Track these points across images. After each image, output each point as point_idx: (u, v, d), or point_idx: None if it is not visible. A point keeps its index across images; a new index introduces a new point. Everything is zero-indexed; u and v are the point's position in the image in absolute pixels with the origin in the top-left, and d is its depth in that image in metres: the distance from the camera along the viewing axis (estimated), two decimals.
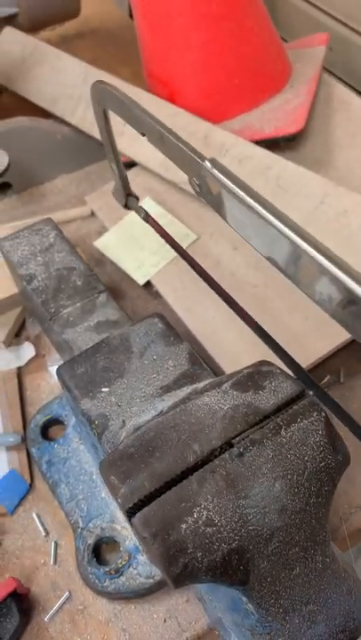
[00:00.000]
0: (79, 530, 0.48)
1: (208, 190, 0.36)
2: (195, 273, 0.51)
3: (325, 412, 0.32)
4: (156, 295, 0.64)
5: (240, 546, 0.29)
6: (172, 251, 0.53)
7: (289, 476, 0.30)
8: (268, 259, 0.34)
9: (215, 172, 0.34)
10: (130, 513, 0.30)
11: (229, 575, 0.29)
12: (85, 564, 0.46)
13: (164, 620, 0.45)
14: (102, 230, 0.69)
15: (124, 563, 0.45)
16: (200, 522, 0.29)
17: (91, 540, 0.47)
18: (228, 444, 0.31)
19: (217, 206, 0.36)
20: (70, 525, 0.48)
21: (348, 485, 0.50)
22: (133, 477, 0.30)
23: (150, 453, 0.31)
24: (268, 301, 0.58)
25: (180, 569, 0.28)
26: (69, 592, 0.46)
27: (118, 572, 0.45)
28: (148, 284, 0.64)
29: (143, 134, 0.40)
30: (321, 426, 0.31)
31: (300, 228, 0.32)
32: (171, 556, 0.28)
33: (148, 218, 0.52)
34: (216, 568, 0.29)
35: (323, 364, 0.57)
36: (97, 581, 0.45)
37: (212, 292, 0.49)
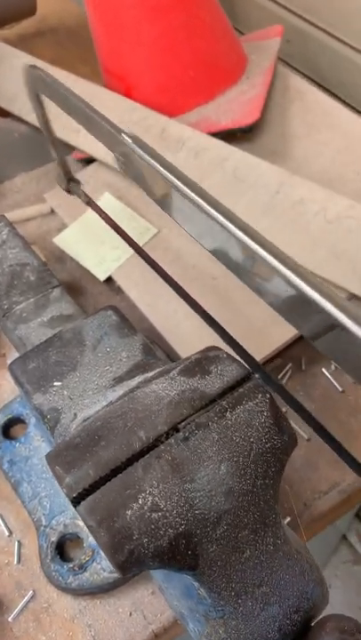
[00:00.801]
0: (42, 528, 0.47)
1: (130, 165, 0.36)
2: None
3: (270, 394, 0.32)
4: (119, 291, 0.64)
5: (187, 530, 0.29)
6: None
7: (235, 459, 0.30)
8: (213, 253, 0.34)
9: (134, 145, 0.34)
10: (75, 502, 0.29)
11: (178, 560, 0.29)
12: (49, 562, 0.45)
13: (130, 614, 0.45)
14: (62, 227, 0.68)
15: (87, 558, 0.45)
16: (145, 507, 0.28)
17: (54, 538, 0.46)
18: (174, 429, 0.31)
19: (141, 183, 0.36)
20: (33, 524, 0.48)
21: (310, 471, 0.51)
22: (78, 467, 0.30)
23: (96, 442, 0.31)
24: (228, 292, 0.58)
25: (126, 555, 0.28)
26: (33, 591, 0.46)
27: (82, 567, 0.45)
28: (110, 280, 0.64)
29: (70, 114, 0.40)
30: (266, 407, 0.31)
31: (237, 218, 0.32)
32: (116, 543, 0.28)
33: (90, 202, 0.52)
34: (163, 553, 0.29)
35: (284, 353, 0.57)
36: (61, 578, 0.45)
37: None
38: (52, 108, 0.49)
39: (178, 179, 0.32)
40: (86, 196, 0.51)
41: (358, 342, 0.24)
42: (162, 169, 0.33)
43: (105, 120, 0.37)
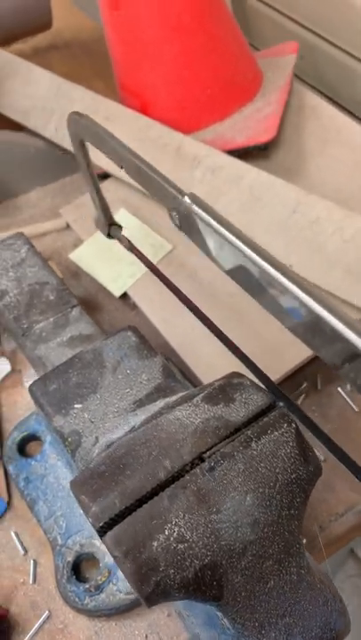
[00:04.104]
0: (58, 547, 0.47)
1: (187, 224, 0.36)
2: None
3: (296, 423, 0.32)
4: (134, 307, 0.64)
5: (213, 561, 0.29)
6: None
7: (260, 489, 0.30)
8: (233, 278, 0.34)
9: (194, 207, 0.34)
10: (101, 532, 0.29)
11: (203, 591, 0.29)
12: (65, 582, 0.45)
13: (146, 637, 0.44)
14: (78, 242, 0.68)
15: (103, 579, 0.45)
16: (172, 539, 0.28)
17: (70, 558, 0.46)
18: (200, 459, 0.31)
19: (196, 239, 0.37)
20: (49, 543, 0.48)
21: (327, 493, 0.51)
22: (104, 496, 0.30)
23: (121, 471, 0.31)
24: (244, 310, 0.58)
25: (153, 587, 0.28)
26: (49, 611, 0.46)
27: (98, 588, 0.45)
28: (125, 296, 0.64)
29: (122, 167, 0.40)
30: (292, 437, 0.31)
31: (276, 261, 0.32)
32: (143, 575, 0.28)
33: (132, 247, 0.52)
34: (189, 585, 0.29)
35: (300, 372, 0.57)
36: (77, 599, 0.45)
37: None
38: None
39: (235, 236, 0.32)
40: (128, 241, 0.51)
41: None
42: (219, 226, 0.33)
43: (161, 177, 0.37)
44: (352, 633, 0.35)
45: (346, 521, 0.50)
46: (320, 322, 0.29)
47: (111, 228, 0.54)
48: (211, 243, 0.34)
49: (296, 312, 0.31)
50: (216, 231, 0.33)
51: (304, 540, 0.47)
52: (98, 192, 0.51)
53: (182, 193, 0.35)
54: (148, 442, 0.32)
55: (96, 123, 0.41)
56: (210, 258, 0.36)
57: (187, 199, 0.35)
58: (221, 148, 0.65)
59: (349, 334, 0.28)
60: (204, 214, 0.34)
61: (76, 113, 0.43)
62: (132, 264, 0.64)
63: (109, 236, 0.55)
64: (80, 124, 0.43)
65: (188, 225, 0.36)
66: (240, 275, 0.33)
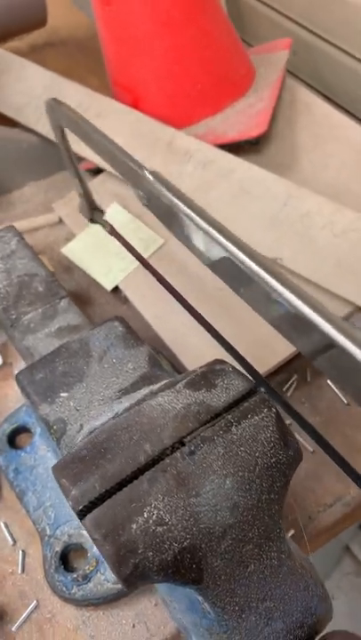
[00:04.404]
0: (47, 537, 0.47)
1: (153, 201, 0.37)
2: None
3: (276, 408, 0.32)
4: (125, 300, 0.64)
5: (192, 544, 0.29)
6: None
7: (240, 473, 0.30)
8: (212, 269, 0.34)
9: (156, 183, 0.35)
10: (81, 515, 0.29)
11: (182, 574, 0.29)
12: (53, 572, 0.46)
13: (133, 625, 0.44)
14: (70, 237, 0.69)
15: (91, 569, 0.45)
16: (151, 521, 0.29)
17: (58, 548, 0.46)
18: (180, 443, 0.31)
19: (161, 216, 0.37)
20: (38, 533, 0.48)
21: (315, 484, 0.51)
22: (84, 479, 0.30)
23: (102, 455, 0.31)
24: (233, 304, 0.58)
25: (131, 569, 0.28)
26: (37, 601, 0.46)
27: (86, 578, 0.45)
28: (116, 289, 0.65)
29: (98, 153, 0.40)
30: (272, 422, 0.31)
31: (240, 240, 0.32)
32: (121, 557, 0.28)
33: (113, 231, 0.53)
34: (168, 567, 0.29)
35: (290, 364, 0.57)
36: (64, 588, 0.45)
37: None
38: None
39: (202, 218, 0.32)
40: (110, 225, 0.52)
41: (355, 362, 0.24)
42: (184, 207, 0.33)
43: (127, 156, 0.37)
44: (351, 629, 0.34)
45: (335, 512, 0.50)
46: (296, 313, 0.29)
47: (94, 212, 0.54)
48: (175, 221, 0.35)
49: (272, 303, 0.31)
50: (177, 208, 0.33)
51: (292, 531, 0.48)
52: (79, 177, 0.51)
53: (143, 168, 0.36)
54: (130, 427, 0.32)
55: (73, 109, 0.41)
56: (174, 235, 0.36)
57: (148, 174, 0.35)
58: (213, 142, 0.65)
59: (324, 325, 0.28)
60: (164, 190, 0.34)
61: (55, 100, 0.43)
62: (124, 258, 0.64)
63: (92, 220, 0.55)
64: (58, 111, 0.43)
65: (152, 201, 0.36)
66: (206, 256, 0.34)
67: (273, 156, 0.69)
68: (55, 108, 0.44)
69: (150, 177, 0.35)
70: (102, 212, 0.57)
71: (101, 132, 0.39)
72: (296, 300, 0.28)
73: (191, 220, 0.33)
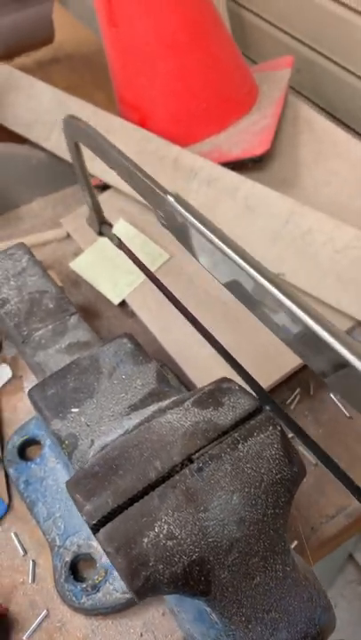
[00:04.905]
0: (56, 548, 0.49)
1: (172, 222, 0.38)
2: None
3: (281, 426, 0.33)
4: (132, 314, 0.65)
5: (200, 557, 0.30)
6: None
7: (246, 489, 0.32)
8: (229, 289, 0.36)
9: (177, 206, 0.36)
10: (95, 529, 0.31)
11: (191, 586, 0.30)
12: (63, 582, 0.47)
13: (141, 634, 0.46)
14: (78, 252, 0.70)
15: (100, 579, 0.46)
16: (161, 535, 0.30)
17: (68, 558, 0.48)
18: (189, 460, 0.32)
19: (181, 238, 0.38)
20: (48, 544, 0.49)
21: (318, 495, 0.52)
22: (97, 495, 0.31)
23: (114, 471, 0.32)
24: (238, 318, 0.60)
25: (143, 581, 0.29)
26: (47, 610, 0.47)
27: (95, 588, 0.46)
28: (123, 304, 0.66)
29: (113, 168, 0.42)
30: (277, 439, 0.33)
31: (258, 264, 0.33)
32: (133, 570, 0.29)
33: (121, 245, 0.54)
34: (178, 579, 0.30)
35: (293, 378, 0.58)
36: (74, 598, 0.46)
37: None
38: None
39: (221, 240, 0.34)
40: (118, 239, 0.53)
41: None
42: (203, 227, 0.35)
43: (147, 177, 0.39)
44: (354, 637, 0.36)
45: (337, 523, 0.51)
46: (309, 333, 0.30)
47: (102, 226, 0.56)
48: (194, 242, 0.36)
49: (286, 322, 0.32)
50: (198, 230, 0.35)
51: (295, 542, 0.49)
52: (90, 191, 0.53)
53: (166, 192, 0.37)
54: (140, 444, 0.34)
55: (90, 126, 0.43)
56: (193, 256, 0.38)
57: (170, 198, 0.36)
58: (217, 160, 0.67)
59: (336, 345, 0.29)
60: (185, 213, 0.35)
61: (72, 116, 0.45)
62: (131, 273, 0.66)
63: (101, 234, 0.57)
64: (75, 127, 0.45)
65: (172, 224, 0.38)
66: (223, 275, 0.35)
67: (276, 173, 0.70)
68: (72, 123, 0.45)
69: (172, 200, 0.36)
70: (110, 226, 0.58)
71: (118, 148, 0.40)
72: (310, 320, 0.30)
73: (213, 243, 0.34)
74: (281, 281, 0.33)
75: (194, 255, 0.38)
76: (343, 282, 0.58)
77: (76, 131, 0.46)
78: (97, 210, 0.56)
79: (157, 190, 0.38)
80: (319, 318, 0.31)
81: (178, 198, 0.37)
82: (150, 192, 0.39)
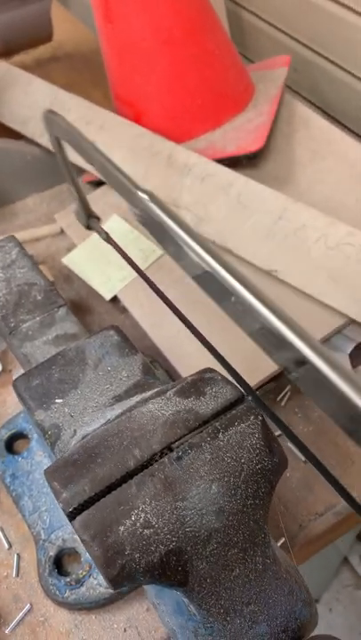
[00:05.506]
0: (41, 542, 0.48)
1: (146, 219, 0.38)
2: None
3: (262, 416, 0.33)
4: (123, 310, 0.65)
5: (178, 547, 0.30)
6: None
7: (226, 479, 0.31)
8: (198, 284, 0.35)
9: (149, 203, 0.36)
10: (71, 516, 0.30)
11: (168, 576, 0.30)
12: (47, 576, 0.46)
13: (125, 630, 0.45)
14: (71, 247, 0.70)
15: (84, 573, 0.46)
16: (138, 524, 0.30)
17: (52, 552, 0.47)
18: (168, 449, 0.32)
19: (155, 233, 0.38)
20: (33, 537, 0.49)
21: (306, 493, 0.51)
22: (75, 482, 0.31)
23: (92, 459, 0.32)
24: (228, 315, 0.60)
25: (118, 570, 0.29)
26: (31, 604, 0.47)
27: (79, 582, 0.46)
28: (115, 299, 0.66)
29: (90, 163, 0.42)
30: (258, 429, 0.32)
31: (224, 259, 0.33)
32: (109, 558, 0.29)
33: (108, 239, 0.54)
34: (154, 569, 0.30)
35: (283, 375, 0.58)
36: (58, 592, 0.46)
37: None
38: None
39: (190, 236, 0.34)
40: (105, 232, 0.53)
41: (325, 379, 0.25)
42: (175, 226, 0.34)
43: (122, 174, 0.38)
44: None
45: (326, 520, 0.51)
46: (269, 329, 0.30)
47: (90, 219, 0.56)
48: (166, 237, 0.36)
49: (248, 317, 0.32)
50: (169, 228, 0.35)
51: (283, 540, 0.48)
52: (76, 185, 0.53)
53: (138, 188, 0.37)
54: (120, 432, 0.33)
55: (68, 122, 0.43)
56: (164, 250, 0.37)
57: (140, 194, 0.36)
58: (212, 156, 0.67)
59: (297, 343, 0.29)
60: (157, 211, 0.35)
61: (51, 111, 0.44)
62: (123, 269, 0.66)
63: (88, 227, 0.56)
64: (54, 123, 0.45)
65: (146, 219, 0.38)
66: (192, 271, 0.35)
67: (270, 171, 0.70)
68: (51, 119, 0.45)
69: (144, 196, 0.36)
70: (98, 219, 0.58)
71: (95, 145, 0.40)
72: (272, 316, 0.29)
73: (180, 238, 0.34)
74: (244, 275, 0.32)
75: (164, 248, 0.38)
76: (336, 279, 0.57)
77: (55, 126, 0.46)
78: (83, 203, 0.56)
79: (129, 186, 0.38)
80: (282, 315, 0.30)
81: (150, 195, 0.36)
82: (124, 188, 0.38)
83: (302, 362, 0.26)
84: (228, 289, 0.31)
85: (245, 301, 0.29)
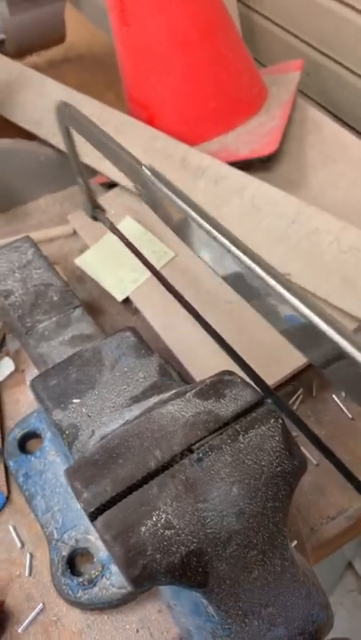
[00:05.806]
0: (54, 541, 0.48)
1: (149, 195, 0.38)
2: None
3: (283, 419, 0.33)
4: (135, 311, 0.65)
5: (198, 548, 0.30)
6: None
7: (246, 481, 0.31)
8: (226, 281, 0.36)
9: (153, 177, 0.36)
10: (92, 516, 0.31)
11: (188, 577, 0.30)
12: (59, 576, 0.47)
13: (137, 631, 0.45)
14: (84, 248, 0.70)
15: (97, 573, 0.46)
16: (159, 525, 0.30)
17: (65, 552, 0.47)
18: (189, 450, 0.32)
19: (158, 211, 0.39)
20: (45, 537, 0.49)
21: (318, 496, 0.52)
22: (96, 482, 0.31)
23: (114, 460, 0.32)
24: (243, 317, 0.60)
25: (140, 570, 0.29)
26: (43, 603, 0.47)
27: (92, 582, 0.46)
28: (127, 301, 0.66)
29: (99, 150, 0.42)
30: (278, 432, 0.33)
31: (254, 253, 0.33)
32: (130, 558, 0.29)
33: (112, 227, 0.54)
34: (175, 570, 0.30)
35: (296, 378, 0.58)
36: (70, 592, 0.46)
37: None
38: (79, 137, 0.52)
39: (192, 208, 0.34)
40: (110, 222, 0.53)
41: None
42: (177, 199, 0.35)
43: (127, 154, 0.39)
44: None
45: (337, 524, 0.51)
46: (308, 324, 0.30)
47: (95, 210, 0.56)
48: (170, 215, 0.37)
49: (285, 314, 0.32)
50: (174, 202, 0.35)
51: (295, 542, 0.49)
52: (83, 177, 0.54)
53: (142, 165, 0.37)
54: (141, 433, 0.34)
55: (79, 111, 0.44)
56: (172, 229, 0.38)
57: (146, 170, 0.37)
58: (225, 159, 0.67)
59: (336, 337, 0.29)
60: (159, 184, 0.36)
61: (63, 102, 0.45)
62: (135, 270, 0.66)
63: (94, 218, 0.57)
64: (65, 113, 0.46)
65: (149, 196, 0.38)
66: (206, 254, 0.35)
67: (283, 174, 0.70)
68: (63, 109, 0.46)
69: (147, 171, 0.37)
70: (104, 211, 0.59)
71: (104, 131, 0.41)
72: (309, 311, 0.30)
73: (190, 216, 0.34)
74: (276, 271, 0.33)
75: (165, 220, 0.38)
76: (349, 282, 0.57)
77: (66, 116, 0.47)
78: (90, 194, 0.56)
79: (133, 163, 0.38)
80: (318, 310, 0.31)
81: (153, 171, 0.37)
82: (128, 165, 0.39)
83: (340, 356, 0.27)
84: (260, 284, 0.31)
85: (280, 296, 0.30)
